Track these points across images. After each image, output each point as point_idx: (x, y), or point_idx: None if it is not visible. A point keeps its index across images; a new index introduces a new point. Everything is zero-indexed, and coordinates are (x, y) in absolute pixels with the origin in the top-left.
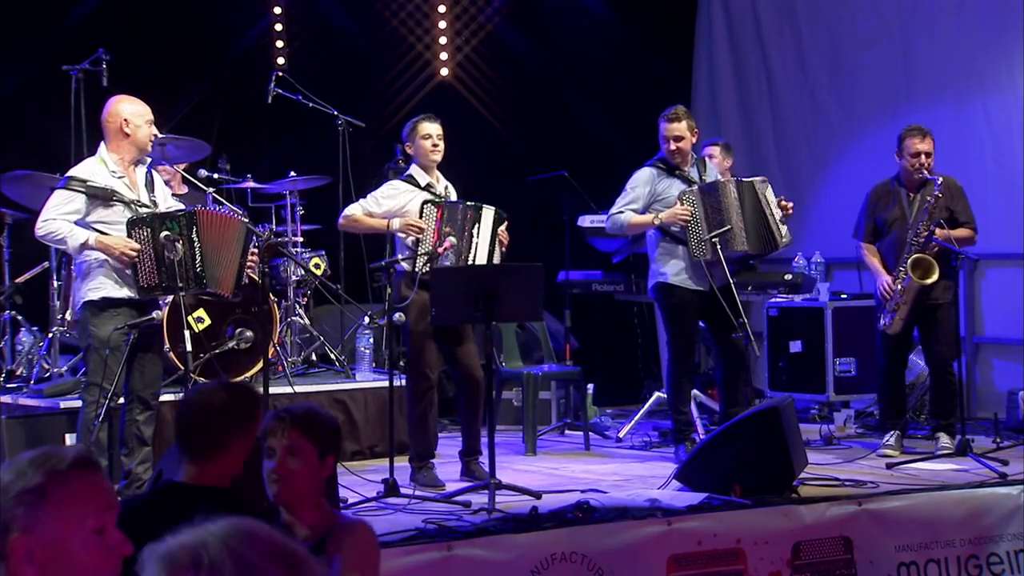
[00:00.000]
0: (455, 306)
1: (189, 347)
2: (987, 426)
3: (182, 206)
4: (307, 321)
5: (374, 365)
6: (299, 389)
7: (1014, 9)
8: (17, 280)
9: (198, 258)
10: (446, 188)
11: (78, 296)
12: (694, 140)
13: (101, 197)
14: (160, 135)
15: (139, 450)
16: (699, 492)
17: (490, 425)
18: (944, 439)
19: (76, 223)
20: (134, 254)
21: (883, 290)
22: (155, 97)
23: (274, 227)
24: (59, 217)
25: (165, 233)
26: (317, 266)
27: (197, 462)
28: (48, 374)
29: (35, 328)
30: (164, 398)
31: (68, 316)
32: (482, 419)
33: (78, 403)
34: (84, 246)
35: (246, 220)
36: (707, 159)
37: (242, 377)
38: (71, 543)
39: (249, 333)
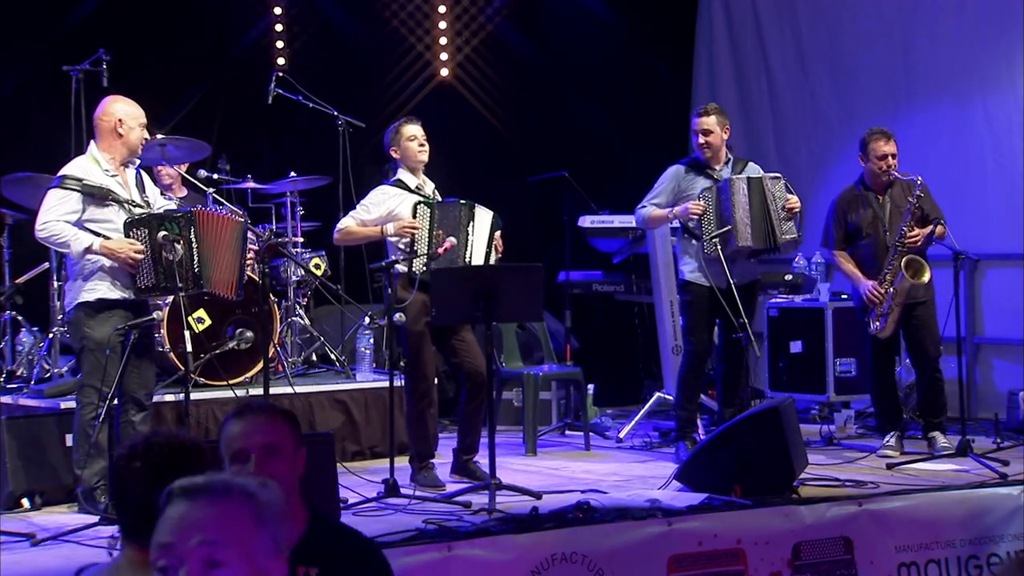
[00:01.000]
0: (455, 306)
1: (189, 347)
2: (987, 426)
3: (174, 206)
4: (307, 321)
5: (374, 365)
6: (299, 389)
7: (1014, 9)
8: (17, 281)
9: (196, 259)
10: (433, 190)
11: (70, 297)
12: (725, 136)
13: (96, 196)
14: (160, 136)
15: None
16: (699, 492)
17: (490, 425)
18: (940, 438)
19: (77, 224)
20: (140, 257)
21: (870, 295)
22: (155, 97)
23: (274, 227)
24: (59, 219)
25: (163, 233)
26: (317, 266)
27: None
28: (48, 374)
29: (35, 329)
30: (166, 398)
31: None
32: (483, 419)
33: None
34: (88, 251)
35: (243, 219)
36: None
37: (242, 378)
38: None
39: (249, 333)
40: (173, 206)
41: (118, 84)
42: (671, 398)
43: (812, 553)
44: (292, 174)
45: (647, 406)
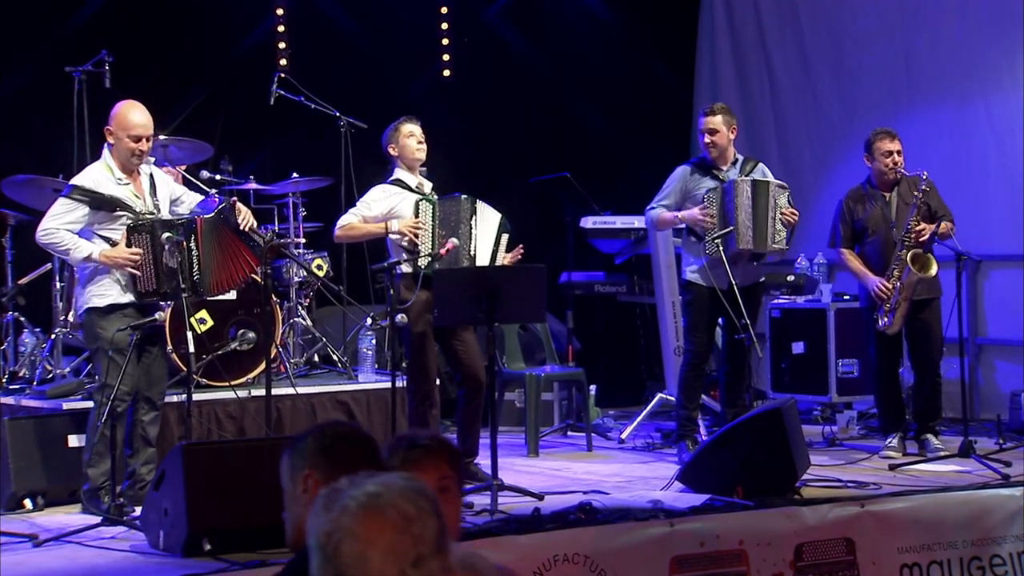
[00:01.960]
0: (458, 307)
1: (192, 348)
2: (990, 427)
3: (186, 194)
4: (309, 322)
5: (376, 366)
6: (301, 390)
7: (1016, 10)
8: (20, 282)
9: (195, 266)
10: (431, 191)
11: (81, 301)
12: (732, 136)
13: (106, 208)
14: (163, 137)
15: (143, 451)
16: (701, 493)
17: (492, 426)
18: (934, 440)
19: (81, 231)
20: (137, 261)
21: (878, 291)
22: (157, 98)
23: (276, 228)
24: (61, 227)
25: (167, 235)
26: (319, 267)
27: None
28: (51, 375)
29: (38, 329)
30: (169, 399)
31: (71, 318)
32: (481, 420)
33: (81, 404)
34: (87, 259)
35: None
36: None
37: (244, 378)
38: None
39: (251, 334)
40: (187, 196)
41: (120, 85)
42: (673, 399)
43: (814, 554)
44: (294, 175)
45: (649, 407)
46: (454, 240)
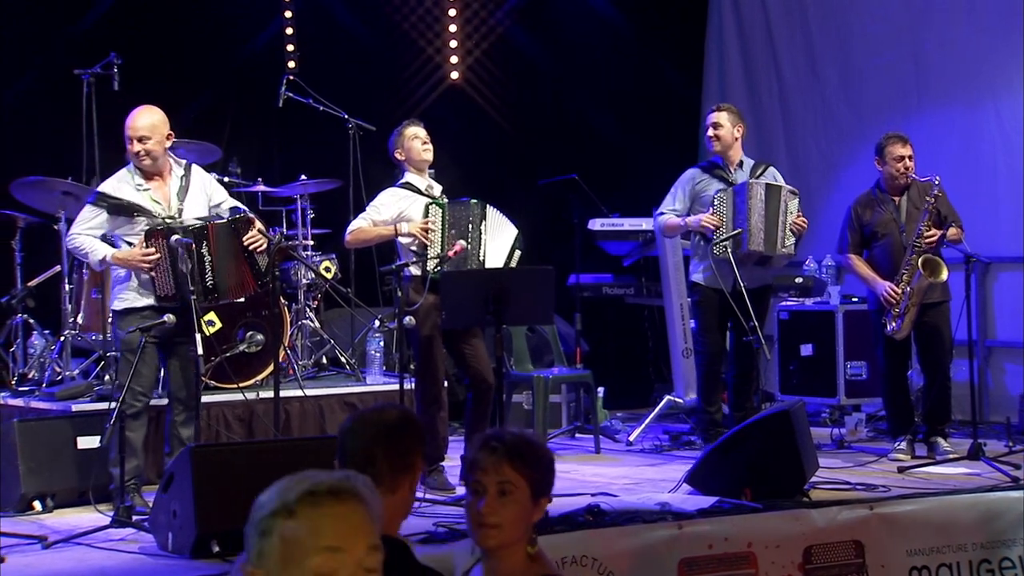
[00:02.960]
0: (465, 309)
1: (200, 351)
2: (999, 430)
3: (226, 201)
4: (317, 324)
5: (384, 368)
6: (309, 392)
7: None
8: (29, 283)
9: (208, 272)
10: (442, 193)
11: (111, 306)
12: (738, 135)
13: (124, 213)
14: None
15: (178, 452)
16: (710, 496)
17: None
18: (942, 442)
19: (106, 235)
20: (150, 261)
21: (887, 295)
22: (166, 101)
23: (284, 231)
24: (84, 232)
25: (176, 237)
26: (327, 269)
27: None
28: (60, 377)
29: (47, 331)
30: (162, 401)
31: (80, 320)
32: (490, 422)
33: (90, 406)
34: (103, 262)
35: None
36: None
37: (253, 380)
38: None
39: (260, 336)
40: (225, 201)
41: (129, 88)
42: (681, 401)
43: (823, 556)
44: (302, 177)
45: (657, 409)
46: (462, 242)
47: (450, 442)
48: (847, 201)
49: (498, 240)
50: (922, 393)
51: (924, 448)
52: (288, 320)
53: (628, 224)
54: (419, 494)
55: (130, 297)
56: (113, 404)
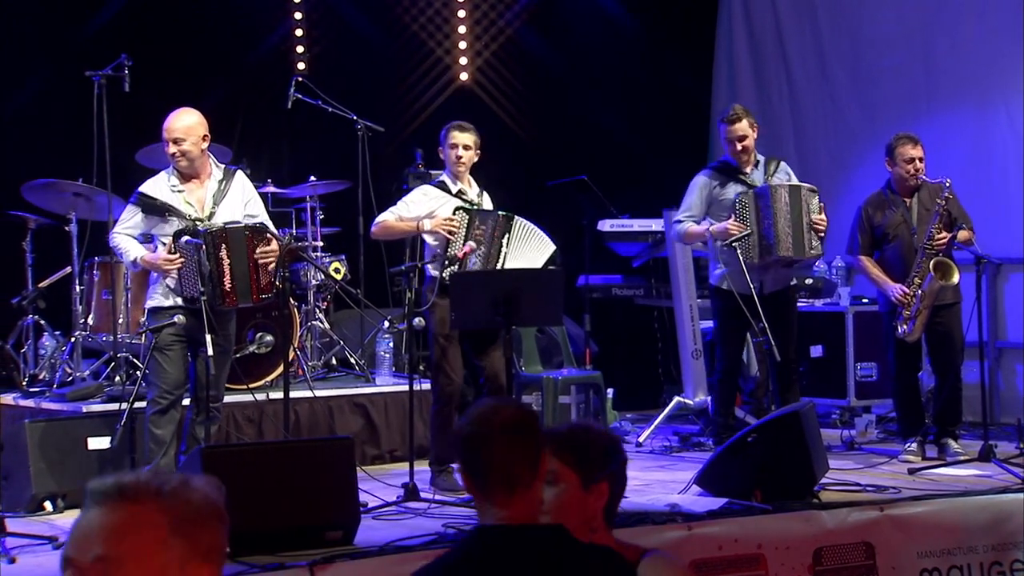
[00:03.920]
0: (475, 310)
1: (211, 351)
2: (1010, 431)
3: (262, 214)
4: (327, 325)
5: (394, 369)
6: (319, 393)
7: None
8: (40, 285)
9: (226, 275)
10: (480, 195)
11: (144, 305)
12: (756, 136)
13: (156, 213)
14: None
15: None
16: (719, 497)
17: None
18: (953, 444)
19: (143, 235)
20: (173, 265)
21: (898, 297)
22: (176, 102)
23: (294, 232)
24: (121, 232)
25: (185, 238)
26: (337, 270)
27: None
28: (70, 378)
29: (58, 332)
30: (185, 402)
31: (90, 321)
32: None
33: (100, 407)
34: (135, 263)
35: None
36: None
37: (262, 381)
38: None
39: (269, 337)
40: (258, 212)
41: (139, 89)
42: (691, 402)
43: (833, 558)
44: (312, 178)
45: (667, 410)
46: (471, 243)
47: None
48: (857, 203)
49: (529, 256)
50: (933, 394)
51: (935, 450)
52: (298, 321)
53: (638, 225)
54: (428, 495)
55: (158, 297)
56: (124, 405)
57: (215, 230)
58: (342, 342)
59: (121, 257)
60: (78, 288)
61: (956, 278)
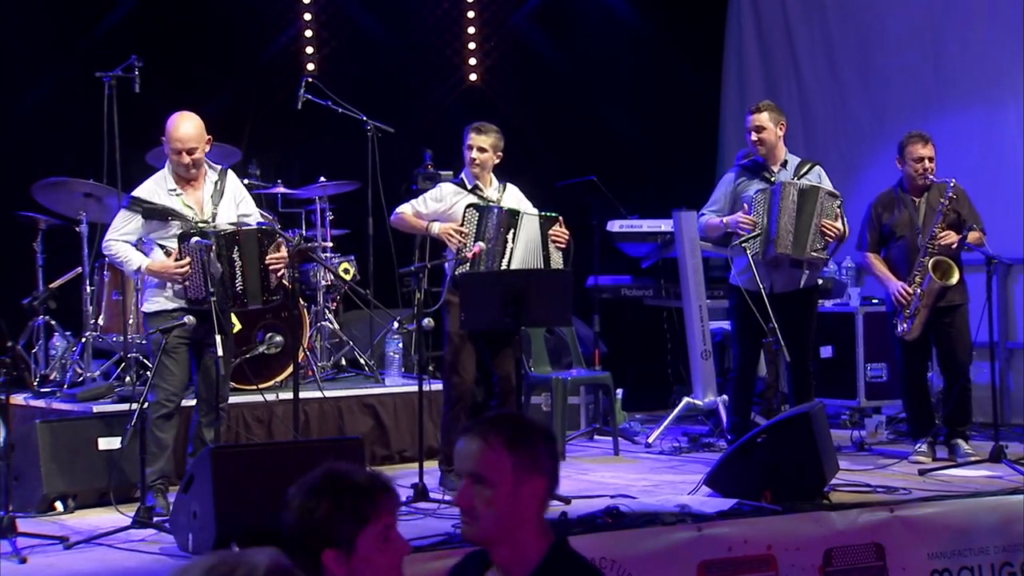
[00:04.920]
0: (484, 310)
1: (220, 352)
2: (1020, 432)
3: (255, 215)
4: (336, 326)
5: (403, 370)
6: (328, 394)
7: None
8: (51, 285)
9: (238, 277)
10: (501, 190)
11: (141, 308)
12: (780, 133)
13: (158, 217)
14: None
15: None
16: (729, 498)
17: None
18: (964, 445)
19: (146, 242)
20: (183, 273)
21: (898, 295)
22: (186, 103)
23: (304, 232)
24: (120, 239)
25: (195, 239)
26: (347, 271)
27: None
28: (81, 379)
29: (68, 333)
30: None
31: (101, 321)
32: None
33: (111, 407)
34: (138, 271)
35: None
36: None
37: (272, 382)
38: None
39: (279, 338)
40: (251, 212)
41: (150, 90)
42: (700, 403)
43: (843, 559)
44: (322, 179)
45: (676, 411)
46: (480, 244)
47: None
48: (867, 202)
49: (526, 241)
50: (942, 395)
51: (945, 450)
52: (307, 322)
53: (647, 226)
54: (438, 496)
55: (161, 300)
56: (134, 405)
57: (228, 232)
58: (352, 343)
59: (121, 266)
60: (88, 289)
61: (955, 278)
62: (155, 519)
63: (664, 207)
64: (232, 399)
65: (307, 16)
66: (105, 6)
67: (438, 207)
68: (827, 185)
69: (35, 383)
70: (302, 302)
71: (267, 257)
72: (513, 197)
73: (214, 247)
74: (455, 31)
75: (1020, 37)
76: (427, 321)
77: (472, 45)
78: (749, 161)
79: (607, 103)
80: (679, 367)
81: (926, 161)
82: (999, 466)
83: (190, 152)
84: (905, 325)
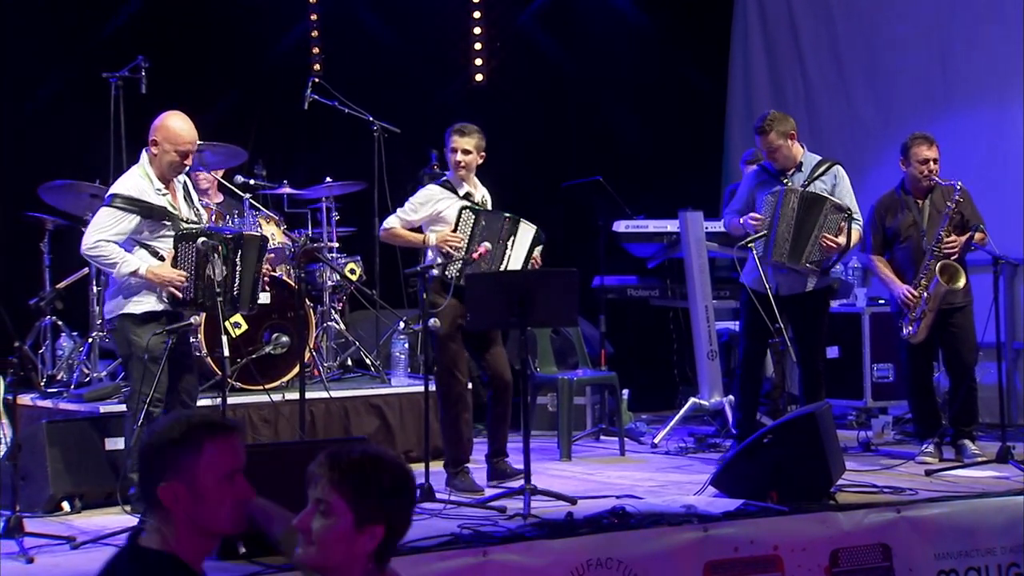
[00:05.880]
0: (490, 311)
1: (227, 352)
2: None
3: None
4: (342, 326)
5: (409, 370)
6: (335, 394)
7: None
8: (58, 286)
9: (237, 281)
10: (483, 197)
11: (111, 306)
12: (791, 143)
13: (155, 217)
14: (198, 141)
15: None
16: (735, 498)
17: (525, 430)
18: (970, 445)
19: (127, 240)
20: (183, 281)
21: (904, 298)
22: (192, 103)
23: (310, 232)
24: (110, 239)
25: (202, 239)
26: (353, 271)
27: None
28: (88, 379)
29: (75, 333)
30: (202, 403)
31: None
32: (510, 422)
33: (118, 407)
34: (134, 274)
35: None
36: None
37: (278, 382)
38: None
39: (285, 338)
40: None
41: (156, 91)
42: (706, 403)
43: (850, 560)
44: (328, 179)
45: (682, 411)
46: (487, 244)
47: (475, 444)
48: (871, 203)
49: (520, 248)
50: (948, 396)
51: (952, 451)
52: (313, 322)
53: (653, 226)
54: (444, 496)
55: (149, 301)
56: (126, 411)
57: (235, 236)
58: (357, 343)
59: (109, 268)
60: (95, 289)
61: (962, 282)
62: None
63: (670, 207)
64: (238, 399)
65: (313, 17)
66: (111, 7)
67: (427, 211)
68: (845, 185)
69: (42, 383)
70: (308, 302)
71: (261, 263)
72: (490, 205)
73: (220, 249)
74: (461, 31)
75: None
76: (433, 321)
77: (478, 45)
78: (768, 162)
79: (613, 103)
80: (685, 367)
81: (931, 163)
82: (1006, 467)
83: (190, 154)
84: (911, 328)
